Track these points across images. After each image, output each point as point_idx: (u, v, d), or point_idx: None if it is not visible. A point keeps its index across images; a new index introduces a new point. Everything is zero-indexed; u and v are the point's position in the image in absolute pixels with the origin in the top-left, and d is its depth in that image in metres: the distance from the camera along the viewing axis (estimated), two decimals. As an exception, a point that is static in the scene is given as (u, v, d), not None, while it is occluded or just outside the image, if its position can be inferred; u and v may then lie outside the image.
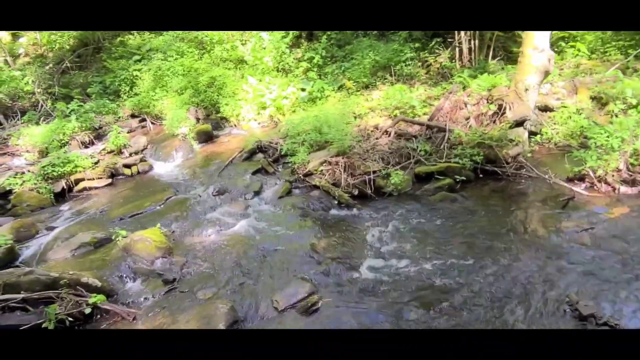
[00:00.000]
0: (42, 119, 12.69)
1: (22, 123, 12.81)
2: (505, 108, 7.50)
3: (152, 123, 12.74)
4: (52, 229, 7.58)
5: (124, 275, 5.96)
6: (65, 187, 9.05)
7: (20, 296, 5.27)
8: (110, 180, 9.40)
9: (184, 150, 10.53)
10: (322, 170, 7.73)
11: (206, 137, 11.23)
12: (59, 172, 9.00)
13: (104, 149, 10.22)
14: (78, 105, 11.84)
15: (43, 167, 8.94)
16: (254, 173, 8.78)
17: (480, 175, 7.35)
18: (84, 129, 11.48)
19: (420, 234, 6.08)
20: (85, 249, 6.71)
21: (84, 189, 9.20)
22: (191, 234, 6.90)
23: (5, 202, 8.80)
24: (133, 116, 13.11)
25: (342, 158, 7.60)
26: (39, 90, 13.80)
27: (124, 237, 6.64)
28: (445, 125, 7.87)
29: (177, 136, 10.97)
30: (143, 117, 12.98)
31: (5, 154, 11.34)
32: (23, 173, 9.25)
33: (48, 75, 14.43)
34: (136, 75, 13.41)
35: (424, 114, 8.88)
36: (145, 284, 5.75)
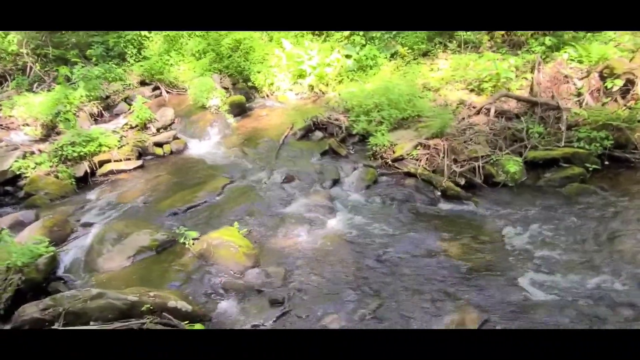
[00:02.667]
0: (36, 85, 10.85)
1: (9, 90, 10.93)
2: (635, 84, 6.49)
3: (167, 92, 11.15)
4: (89, 226, 6.21)
5: (211, 293, 4.75)
6: (88, 170, 7.56)
7: (91, 329, 4.01)
8: (140, 162, 7.97)
9: (219, 126, 9.12)
10: (415, 155, 6.58)
11: (240, 110, 9.83)
12: (80, 153, 7.49)
13: (126, 124, 8.66)
14: (86, 70, 10.10)
15: (61, 146, 7.40)
16: (322, 155, 7.54)
17: (606, 163, 6.38)
18: (91, 98, 9.82)
19: (573, 237, 5.10)
20: (146, 254, 5.43)
21: (110, 172, 7.75)
22: (274, 234, 5.70)
23: (15, 189, 7.29)
24: (143, 83, 11.44)
25: (442, 141, 6.47)
26: (25, 51, 11.84)
27: (196, 239, 5.38)
28: (557, 102, 6.82)
29: (208, 109, 9.49)
30: (156, 84, 11.35)
31: (-2, 126, 9.59)
32: (33, 153, 7.68)
33: (35, 34, 12.40)
34: (145, 36, 11.68)
35: (517, 88, 7.79)
36: (243, 305, 4.58)
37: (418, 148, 6.65)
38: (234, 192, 6.75)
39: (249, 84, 10.89)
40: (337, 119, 8.25)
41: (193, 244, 5.38)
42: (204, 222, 6.02)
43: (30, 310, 4.16)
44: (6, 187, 7.23)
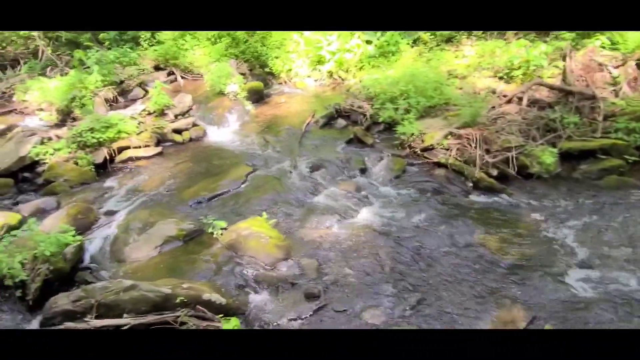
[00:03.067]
0: (49, 69, 10.66)
1: (22, 74, 10.76)
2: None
3: (182, 77, 10.95)
4: (112, 214, 6.08)
5: (243, 285, 4.63)
6: (107, 157, 7.41)
7: (126, 322, 3.91)
8: (159, 149, 7.80)
9: (238, 113, 8.94)
10: (445, 145, 6.39)
11: (258, 97, 9.63)
12: (100, 139, 7.33)
13: (144, 110, 8.48)
14: (100, 54, 9.90)
15: (80, 132, 7.24)
16: (347, 144, 7.37)
17: (642, 155, 6.18)
18: (106, 83, 9.64)
19: (617, 231, 4.94)
20: (173, 244, 5.31)
21: (129, 159, 7.59)
22: (303, 225, 5.56)
23: (34, 176, 7.14)
24: (157, 68, 11.24)
25: (475, 130, 6.28)
26: (37, 34, 11.63)
27: (224, 229, 5.25)
28: (593, 92, 6.60)
29: (226, 95, 9.29)
30: (170, 70, 11.14)
31: (10, 112, 9.46)
32: (50, 139, 7.53)
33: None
34: (159, 19, 11.40)
35: (547, 77, 7.55)
36: (277, 299, 4.46)
37: (448, 137, 6.46)
38: (259, 181, 6.60)
39: (266, 70, 10.67)
40: (360, 107, 8.06)
41: (222, 234, 5.25)
42: (230, 212, 5.88)
43: (62, 302, 4.06)
44: (24, 174, 7.08)
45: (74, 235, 4.92)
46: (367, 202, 5.94)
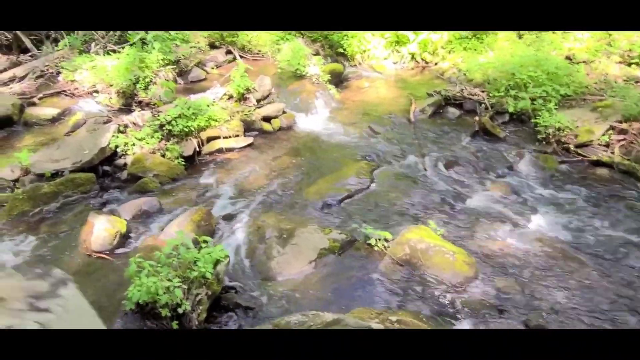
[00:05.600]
0: (93, 45, 9.61)
1: (60, 50, 9.67)
2: None
3: (240, 56, 10.03)
4: (230, 219, 5.25)
5: (441, 312, 3.87)
6: (197, 148, 6.54)
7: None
8: (250, 139, 6.93)
9: (324, 98, 8.08)
10: (605, 141, 5.67)
11: (337, 80, 8.79)
12: (190, 128, 6.43)
13: (224, 94, 7.54)
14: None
15: (168, 119, 6.32)
16: (472, 137, 6.61)
17: None
18: (167, 62, 8.67)
19: None
20: (328, 258, 4.51)
21: (218, 150, 6.72)
22: (472, 235, 4.85)
23: (114, 170, 6.23)
24: (212, 46, 10.30)
25: (643, 124, 5.57)
26: (73, 4, 10.47)
27: (389, 241, 4.48)
28: None
29: (305, 78, 8.41)
30: (228, 48, 10.21)
31: (59, 93, 8.44)
32: (126, 127, 6.59)
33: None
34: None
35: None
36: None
37: (609, 132, 5.74)
38: (389, 179, 5.82)
39: (338, 50, 9.80)
40: (473, 94, 7.27)
41: (388, 246, 4.47)
42: (371, 216, 5.12)
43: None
44: (104, 167, 6.17)
45: (221, 249, 4.07)
46: (530, 207, 5.21)
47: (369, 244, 4.57)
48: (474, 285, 4.12)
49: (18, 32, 9.93)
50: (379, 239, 4.50)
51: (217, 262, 3.95)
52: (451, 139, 6.64)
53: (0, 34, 9.83)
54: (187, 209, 5.29)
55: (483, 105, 7.01)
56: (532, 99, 6.48)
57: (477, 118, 6.81)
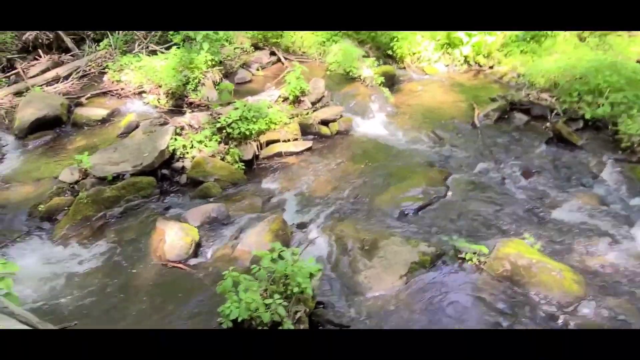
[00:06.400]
0: (137, 45, 9.47)
1: (101, 50, 9.53)
2: None
3: (285, 58, 9.81)
4: (303, 227, 5.01)
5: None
6: (257, 152, 6.31)
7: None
8: (309, 144, 6.69)
9: (379, 101, 7.82)
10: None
11: (389, 83, 8.50)
12: (252, 131, 6.21)
13: (279, 96, 7.31)
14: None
15: (229, 123, 6.10)
16: (546, 144, 6.31)
17: None
18: (214, 63, 8.48)
19: None
20: (419, 272, 4.24)
21: (277, 154, 6.49)
22: (568, 250, 4.55)
23: (172, 173, 6.02)
24: (256, 48, 10.08)
25: None
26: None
27: (486, 255, 4.19)
28: None
29: (359, 80, 8.17)
30: (271, 49, 10.00)
31: (105, 94, 8.27)
32: (182, 129, 6.38)
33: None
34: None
35: None
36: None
37: None
38: (464, 188, 5.54)
39: (386, 52, 9.54)
40: (541, 99, 6.96)
41: (484, 261, 4.18)
42: (454, 228, 4.83)
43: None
44: (163, 171, 5.96)
45: (314, 263, 3.82)
46: (625, 219, 4.89)
47: (461, 258, 4.29)
48: (585, 305, 3.82)
49: (59, 32, 9.81)
50: (474, 253, 4.22)
51: (311, 276, 3.70)
52: (523, 146, 6.34)
53: (42, 33, 9.68)
54: (257, 216, 5.08)
55: (554, 111, 6.69)
56: (613, 105, 6.15)
57: (548, 124, 6.51)
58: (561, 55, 7.98)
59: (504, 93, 7.39)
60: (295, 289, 3.40)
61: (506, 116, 7.07)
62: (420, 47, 9.37)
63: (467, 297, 3.96)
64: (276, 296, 3.30)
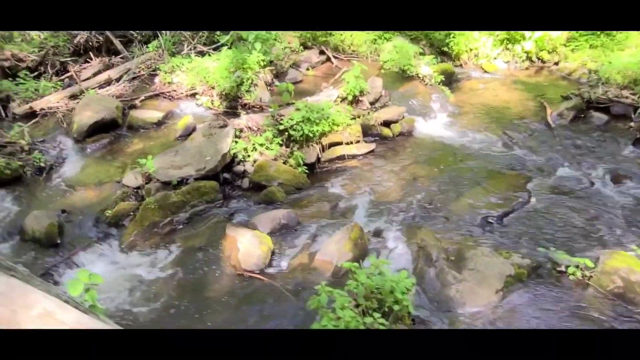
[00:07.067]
0: (186, 45, 9.38)
1: (150, 52, 9.48)
2: None
3: (334, 57, 9.57)
4: (379, 234, 4.73)
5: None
6: (320, 155, 6.08)
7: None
8: (372, 146, 6.42)
9: (440, 101, 7.48)
10: None
11: (447, 81, 8.15)
12: (315, 133, 5.98)
13: (338, 96, 7.07)
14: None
15: (291, 125, 5.89)
16: (634, 145, 5.85)
17: None
18: (265, 63, 8.30)
19: None
20: (514, 287, 3.89)
21: (339, 157, 6.24)
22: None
23: (233, 177, 5.84)
24: (305, 47, 9.87)
25: None
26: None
27: (591, 269, 3.81)
28: None
29: (417, 78, 7.84)
30: (320, 48, 9.77)
31: (157, 95, 8.19)
32: (241, 131, 6.20)
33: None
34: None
35: None
36: None
37: None
38: (549, 194, 5.17)
39: (441, 49, 9.18)
40: (622, 96, 6.49)
41: (588, 276, 3.82)
42: (546, 237, 4.46)
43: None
44: (224, 175, 5.79)
45: (407, 276, 3.54)
46: None
47: (560, 271, 3.93)
48: None
49: (108, 34, 9.83)
50: (577, 267, 3.85)
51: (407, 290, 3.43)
52: (606, 147, 5.90)
53: (92, 36, 9.73)
54: (327, 223, 4.85)
55: (639, 109, 6.22)
56: None
57: (632, 124, 6.05)
58: (637, 50, 7.47)
59: (576, 91, 6.93)
60: (396, 307, 3.13)
61: (582, 115, 6.63)
62: (478, 43, 8.98)
63: (571, 314, 3.62)
64: (376, 315, 3.04)
